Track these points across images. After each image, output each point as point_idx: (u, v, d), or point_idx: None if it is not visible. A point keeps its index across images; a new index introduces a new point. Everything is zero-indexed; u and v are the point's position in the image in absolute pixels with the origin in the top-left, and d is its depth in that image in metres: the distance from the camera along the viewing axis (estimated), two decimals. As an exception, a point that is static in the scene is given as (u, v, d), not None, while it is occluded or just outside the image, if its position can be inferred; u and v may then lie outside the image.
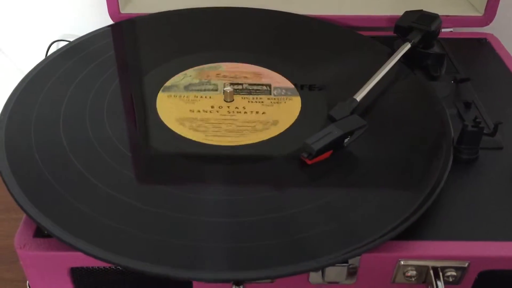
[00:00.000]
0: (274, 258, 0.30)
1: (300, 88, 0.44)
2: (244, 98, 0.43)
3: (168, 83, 0.44)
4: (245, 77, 0.45)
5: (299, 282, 0.34)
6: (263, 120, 0.41)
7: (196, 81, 0.44)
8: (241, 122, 0.40)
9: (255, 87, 0.44)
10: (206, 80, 0.44)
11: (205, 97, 0.43)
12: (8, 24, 0.63)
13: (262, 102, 0.42)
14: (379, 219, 0.33)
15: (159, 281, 0.34)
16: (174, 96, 0.43)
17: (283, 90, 0.44)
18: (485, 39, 0.55)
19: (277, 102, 0.42)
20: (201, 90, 0.43)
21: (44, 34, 0.61)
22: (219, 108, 0.42)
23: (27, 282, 0.36)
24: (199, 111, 0.41)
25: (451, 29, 0.56)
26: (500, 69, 0.51)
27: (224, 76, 0.45)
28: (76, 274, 0.34)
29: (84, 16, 0.61)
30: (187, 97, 0.43)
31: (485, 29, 0.57)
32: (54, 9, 0.62)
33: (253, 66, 0.47)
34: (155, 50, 0.48)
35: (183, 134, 0.39)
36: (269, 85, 0.44)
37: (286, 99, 0.43)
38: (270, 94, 0.43)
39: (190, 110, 0.41)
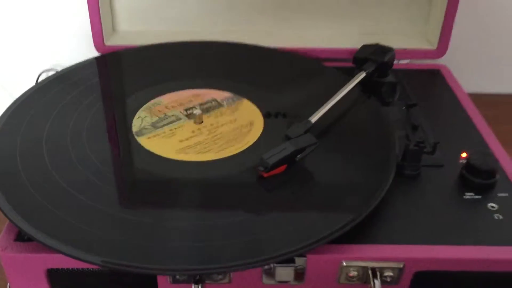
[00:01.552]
0: (226, 255, 0.34)
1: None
2: (208, 116, 0.48)
3: (135, 129, 0.46)
4: (190, 101, 0.50)
5: (253, 282, 0.38)
6: (243, 124, 0.46)
7: (156, 118, 0.47)
8: (229, 133, 0.45)
9: (207, 105, 0.49)
10: (162, 115, 0.48)
11: (179, 127, 0.46)
12: (2, 56, 0.69)
13: (224, 113, 0.47)
14: (324, 223, 0.37)
15: (131, 283, 0.38)
16: (154, 136, 0.45)
17: (229, 99, 0.49)
18: (439, 70, 0.60)
19: (236, 108, 0.47)
20: (169, 123, 0.47)
21: (35, 64, 0.66)
22: (199, 131, 0.46)
23: (8, 284, 0.39)
24: (187, 139, 0.45)
25: (408, 61, 0.62)
26: (449, 98, 0.56)
27: (173, 106, 0.49)
28: (53, 275, 0.37)
29: (73, 47, 0.66)
30: (164, 132, 0.46)
31: (442, 61, 0.62)
32: (45, 42, 0.67)
33: (189, 90, 0.52)
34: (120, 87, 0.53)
35: (194, 159, 0.42)
36: (215, 99, 0.49)
37: (238, 103, 0.48)
38: (223, 105, 0.48)
39: (180, 141, 0.45)
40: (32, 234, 0.35)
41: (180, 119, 0.48)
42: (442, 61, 0.62)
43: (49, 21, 0.68)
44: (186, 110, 0.49)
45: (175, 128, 0.46)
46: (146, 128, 0.46)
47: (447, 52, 0.61)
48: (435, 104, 0.55)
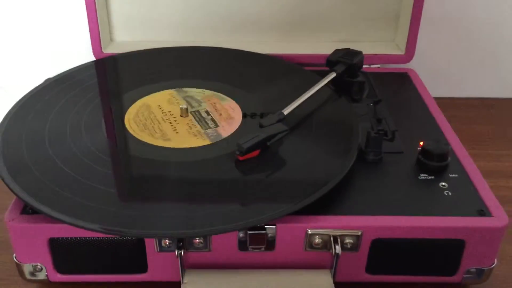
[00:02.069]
0: (205, 223, 0.40)
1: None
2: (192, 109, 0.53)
3: (127, 122, 0.52)
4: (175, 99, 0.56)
5: (230, 250, 0.43)
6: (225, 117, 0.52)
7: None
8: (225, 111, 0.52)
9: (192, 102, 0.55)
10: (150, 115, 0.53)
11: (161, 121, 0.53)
12: (8, 65, 0.75)
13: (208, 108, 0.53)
14: (289, 196, 0.42)
15: (121, 253, 0.43)
16: (144, 130, 0.51)
17: (214, 97, 0.55)
18: (406, 73, 0.66)
19: (219, 105, 0.53)
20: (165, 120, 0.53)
21: (38, 71, 0.72)
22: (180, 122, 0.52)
23: (14, 255, 0.44)
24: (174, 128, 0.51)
25: (379, 65, 0.68)
26: (414, 97, 0.61)
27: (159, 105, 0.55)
28: (54, 243, 0.42)
29: (74, 55, 0.72)
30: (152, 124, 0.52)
31: (411, 65, 0.68)
32: (48, 50, 0.73)
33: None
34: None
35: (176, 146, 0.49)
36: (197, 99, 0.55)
37: (221, 101, 0.54)
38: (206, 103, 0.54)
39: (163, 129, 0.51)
40: (37, 207, 0.41)
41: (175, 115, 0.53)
42: (412, 66, 0.68)
43: (52, 31, 0.74)
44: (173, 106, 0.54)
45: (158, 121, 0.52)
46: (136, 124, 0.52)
47: (419, 57, 0.68)
48: (402, 102, 0.60)
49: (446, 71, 0.77)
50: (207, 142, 0.49)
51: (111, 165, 0.46)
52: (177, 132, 0.50)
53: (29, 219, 0.42)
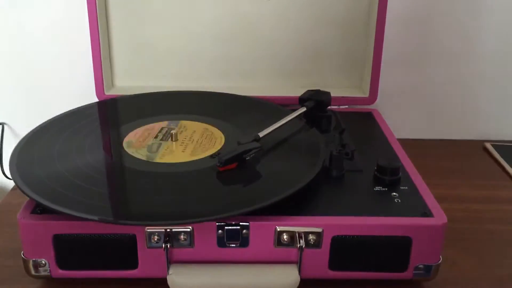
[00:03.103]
0: (189, 215, 0.47)
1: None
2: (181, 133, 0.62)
3: (125, 145, 0.60)
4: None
5: (211, 247, 0.50)
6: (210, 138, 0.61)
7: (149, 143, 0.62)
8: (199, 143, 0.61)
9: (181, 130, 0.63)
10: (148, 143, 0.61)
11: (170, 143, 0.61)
12: (18, 104, 0.84)
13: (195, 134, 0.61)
14: (260, 199, 0.49)
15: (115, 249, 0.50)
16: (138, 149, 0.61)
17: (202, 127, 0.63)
18: (371, 113, 0.76)
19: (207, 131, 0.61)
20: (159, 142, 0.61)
21: (48, 111, 0.81)
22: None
23: (22, 252, 0.51)
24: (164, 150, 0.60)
25: (347, 106, 0.77)
26: (377, 132, 0.70)
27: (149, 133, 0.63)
28: (57, 239, 0.49)
29: (80, 98, 0.82)
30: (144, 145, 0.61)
31: (375, 106, 0.78)
32: (57, 93, 0.83)
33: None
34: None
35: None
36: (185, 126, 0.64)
37: (209, 129, 0.62)
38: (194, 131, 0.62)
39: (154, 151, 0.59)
40: (47, 205, 0.48)
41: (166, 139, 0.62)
42: (376, 107, 0.77)
43: (61, 77, 0.84)
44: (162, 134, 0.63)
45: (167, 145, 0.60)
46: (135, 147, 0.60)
47: (383, 99, 0.78)
48: (365, 135, 0.69)
49: (406, 110, 0.87)
50: (188, 158, 0.57)
51: (106, 173, 0.54)
52: (165, 151, 0.58)
53: (37, 218, 0.49)
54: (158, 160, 0.57)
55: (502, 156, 0.82)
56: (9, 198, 0.70)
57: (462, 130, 0.89)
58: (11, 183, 0.82)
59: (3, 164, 0.86)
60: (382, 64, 0.76)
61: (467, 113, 0.89)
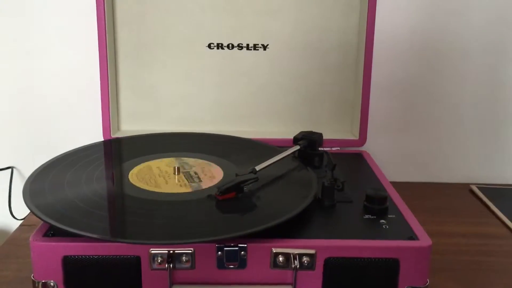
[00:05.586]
0: (191, 236, 0.50)
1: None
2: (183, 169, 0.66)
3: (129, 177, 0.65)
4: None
5: (211, 268, 0.53)
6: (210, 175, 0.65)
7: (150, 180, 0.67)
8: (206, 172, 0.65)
9: (183, 165, 0.67)
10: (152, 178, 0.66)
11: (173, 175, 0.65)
12: (27, 150, 0.89)
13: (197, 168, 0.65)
14: (255, 224, 0.53)
15: (120, 273, 0.53)
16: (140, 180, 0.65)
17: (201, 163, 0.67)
18: (361, 154, 0.81)
19: (206, 168, 0.65)
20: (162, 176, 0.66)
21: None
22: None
23: (32, 275, 0.53)
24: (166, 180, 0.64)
25: (338, 148, 0.82)
26: (367, 171, 0.75)
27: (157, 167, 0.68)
28: (66, 261, 0.52)
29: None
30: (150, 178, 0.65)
31: (365, 148, 0.83)
32: (67, 136, 0.88)
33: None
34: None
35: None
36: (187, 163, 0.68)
37: (208, 166, 0.66)
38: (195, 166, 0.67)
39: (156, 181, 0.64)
40: (61, 227, 0.51)
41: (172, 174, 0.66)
42: (367, 148, 0.83)
43: (68, 122, 0.89)
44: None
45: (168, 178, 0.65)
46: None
47: (372, 141, 0.83)
48: (355, 172, 0.74)
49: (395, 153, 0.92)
50: (189, 190, 0.61)
51: (108, 200, 0.58)
52: (167, 183, 0.62)
53: (49, 240, 0.52)
54: (156, 189, 0.61)
55: (487, 197, 0.86)
56: (17, 233, 0.73)
57: (449, 173, 0.94)
58: (17, 224, 0.86)
59: (12, 206, 0.89)
60: (370, 108, 0.82)
61: (453, 156, 0.94)
